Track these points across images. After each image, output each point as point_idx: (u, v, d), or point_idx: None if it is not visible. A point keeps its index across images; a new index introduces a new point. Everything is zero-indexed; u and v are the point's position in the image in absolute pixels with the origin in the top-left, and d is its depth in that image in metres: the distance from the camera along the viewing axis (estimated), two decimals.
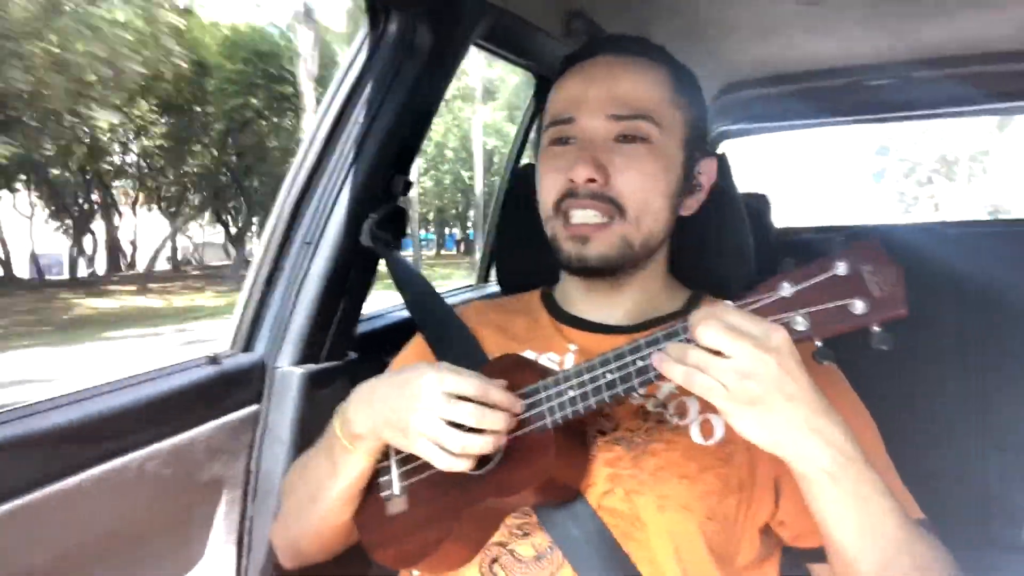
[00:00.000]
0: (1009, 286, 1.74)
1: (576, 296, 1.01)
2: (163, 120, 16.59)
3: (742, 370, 0.65)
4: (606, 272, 0.93)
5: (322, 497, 0.91)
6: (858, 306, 0.64)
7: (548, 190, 0.95)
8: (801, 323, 0.66)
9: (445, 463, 0.78)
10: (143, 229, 21.34)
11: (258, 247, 1.25)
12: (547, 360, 0.95)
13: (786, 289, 0.67)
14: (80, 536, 0.90)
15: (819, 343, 0.67)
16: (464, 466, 0.78)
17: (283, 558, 1.04)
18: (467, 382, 0.79)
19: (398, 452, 0.89)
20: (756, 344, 0.65)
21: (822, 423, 0.68)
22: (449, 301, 1.08)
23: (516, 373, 0.83)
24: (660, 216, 0.93)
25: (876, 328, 0.64)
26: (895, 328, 0.64)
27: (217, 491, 1.11)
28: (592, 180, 0.89)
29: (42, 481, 0.84)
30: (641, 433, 0.86)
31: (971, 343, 1.81)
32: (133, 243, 21.07)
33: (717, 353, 0.66)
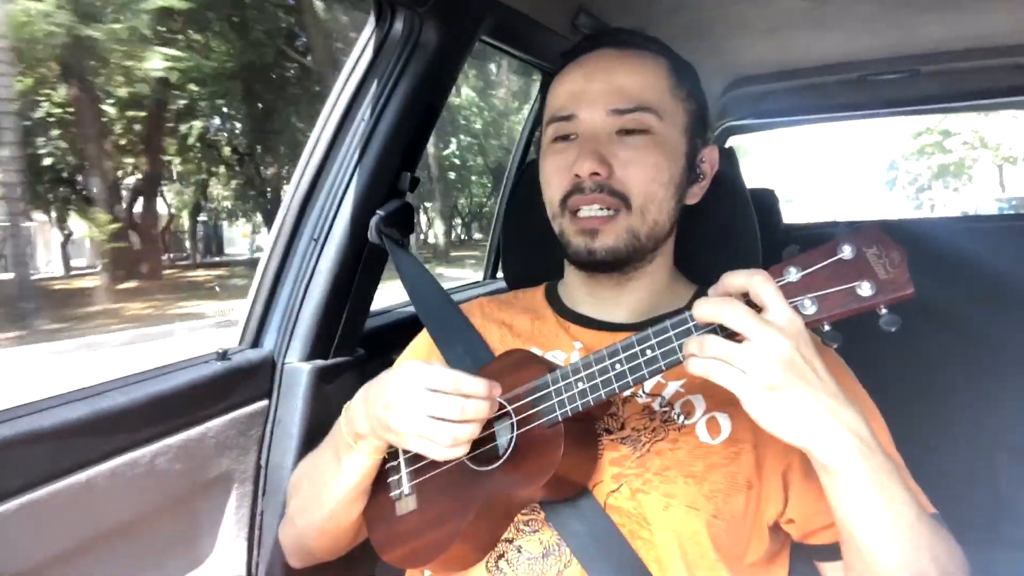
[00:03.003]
0: (1018, 282, 1.73)
1: (581, 293, 1.01)
2: None
3: (763, 355, 0.65)
4: (614, 265, 0.93)
5: (328, 496, 0.92)
6: (865, 288, 0.65)
7: (554, 187, 0.95)
8: (810, 307, 0.67)
9: (439, 454, 0.79)
10: None
11: (266, 243, 1.26)
12: (553, 358, 0.95)
13: (793, 274, 0.67)
14: (91, 530, 0.91)
15: (827, 326, 0.67)
16: (459, 453, 0.79)
17: (290, 557, 1.04)
18: (439, 376, 0.79)
19: (406, 451, 0.89)
20: (777, 328, 0.65)
21: (842, 410, 0.67)
22: (456, 297, 1.09)
23: (524, 368, 0.83)
24: (664, 206, 0.93)
25: (883, 310, 0.65)
26: (902, 313, 0.64)
27: (227, 486, 1.12)
28: (596, 174, 0.89)
29: (53, 476, 0.85)
30: (647, 432, 0.86)
31: (980, 340, 1.80)
32: None
33: (734, 336, 0.67)
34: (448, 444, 0.78)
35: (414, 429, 0.79)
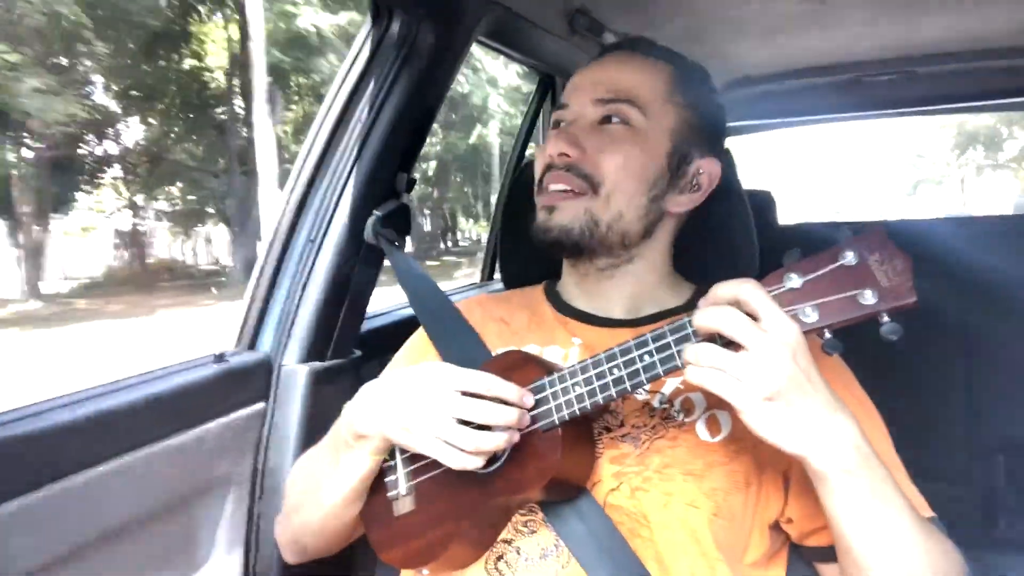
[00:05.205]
0: (1015, 282, 1.73)
1: (574, 287, 1.01)
2: None
3: (760, 364, 0.64)
4: (571, 249, 0.94)
5: (326, 495, 0.91)
6: (867, 296, 0.64)
7: (536, 168, 0.99)
8: (811, 314, 0.66)
9: (457, 461, 0.78)
10: None
11: (263, 245, 1.26)
12: (550, 354, 0.95)
13: (794, 280, 0.66)
14: (87, 533, 0.90)
15: (828, 334, 0.66)
16: (476, 463, 0.78)
17: (286, 553, 1.04)
18: (477, 379, 0.78)
19: (403, 451, 0.89)
20: (773, 337, 0.65)
21: (837, 419, 0.67)
22: (453, 299, 1.09)
23: (520, 369, 0.83)
24: (634, 200, 0.93)
25: (885, 319, 0.64)
26: (902, 323, 0.64)
27: (224, 489, 1.12)
28: (564, 155, 0.92)
29: (49, 478, 0.85)
30: (647, 430, 0.86)
31: (977, 340, 1.80)
32: None
33: (732, 344, 0.66)
34: (471, 450, 0.77)
35: (437, 431, 0.78)
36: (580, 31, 1.57)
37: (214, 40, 14.05)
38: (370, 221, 1.21)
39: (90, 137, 13.63)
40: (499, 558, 0.85)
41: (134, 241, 16.69)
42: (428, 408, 0.78)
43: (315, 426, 1.13)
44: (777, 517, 0.86)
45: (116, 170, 14.79)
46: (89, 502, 0.89)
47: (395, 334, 1.16)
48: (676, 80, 0.97)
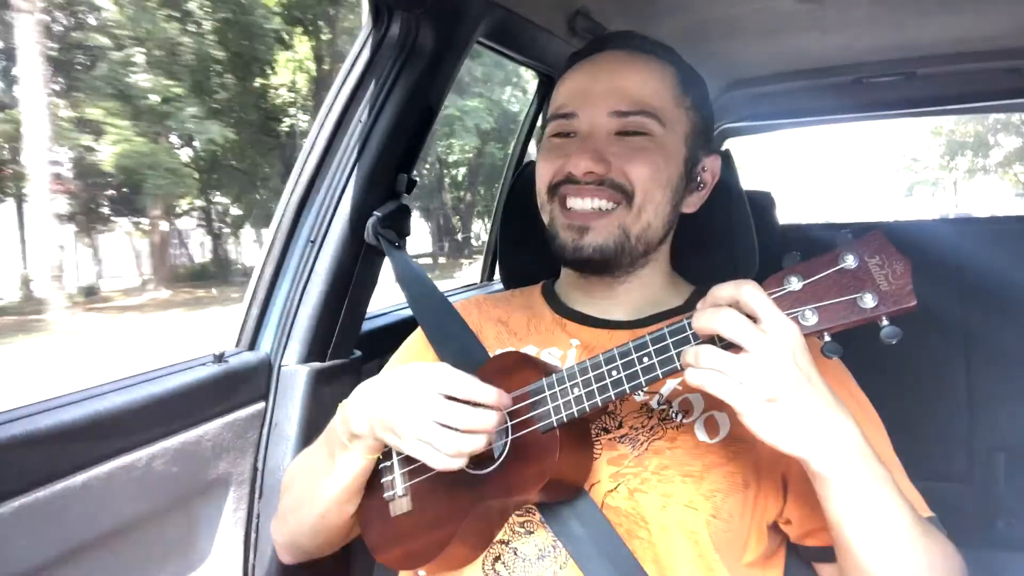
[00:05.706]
0: (1014, 283, 1.74)
1: (577, 292, 1.01)
2: None
3: (760, 366, 0.64)
4: (601, 265, 0.93)
5: (321, 494, 0.91)
6: (867, 299, 0.64)
7: (543, 175, 0.96)
8: (811, 317, 0.66)
9: (440, 463, 0.78)
10: None
11: (263, 246, 1.26)
12: (549, 355, 0.95)
13: (794, 283, 0.66)
14: (87, 533, 0.91)
15: (828, 337, 0.66)
16: (458, 465, 0.78)
17: (281, 553, 1.03)
18: (456, 383, 0.78)
19: (399, 452, 0.89)
20: (773, 338, 0.64)
21: (838, 421, 0.67)
22: (452, 299, 1.09)
23: (518, 370, 0.83)
24: (661, 210, 0.93)
25: (885, 322, 0.64)
26: (902, 323, 0.64)
27: (224, 488, 1.12)
28: (591, 172, 0.90)
29: (50, 478, 0.85)
30: (645, 431, 0.86)
31: (977, 341, 1.80)
32: None
33: (732, 346, 0.66)
34: (451, 453, 0.76)
35: (419, 434, 0.78)
36: (580, 32, 1.57)
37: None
38: (370, 222, 1.21)
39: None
40: (496, 559, 0.85)
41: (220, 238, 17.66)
42: (410, 410, 0.78)
43: (314, 426, 1.13)
44: (776, 518, 0.86)
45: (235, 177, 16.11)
46: (89, 502, 0.89)
47: (395, 334, 1.16)
48: (681, 83, 0.96)
